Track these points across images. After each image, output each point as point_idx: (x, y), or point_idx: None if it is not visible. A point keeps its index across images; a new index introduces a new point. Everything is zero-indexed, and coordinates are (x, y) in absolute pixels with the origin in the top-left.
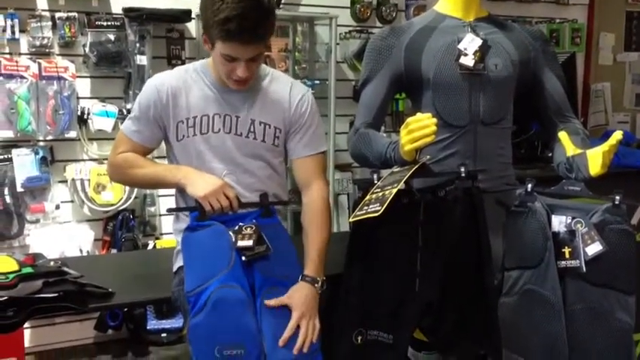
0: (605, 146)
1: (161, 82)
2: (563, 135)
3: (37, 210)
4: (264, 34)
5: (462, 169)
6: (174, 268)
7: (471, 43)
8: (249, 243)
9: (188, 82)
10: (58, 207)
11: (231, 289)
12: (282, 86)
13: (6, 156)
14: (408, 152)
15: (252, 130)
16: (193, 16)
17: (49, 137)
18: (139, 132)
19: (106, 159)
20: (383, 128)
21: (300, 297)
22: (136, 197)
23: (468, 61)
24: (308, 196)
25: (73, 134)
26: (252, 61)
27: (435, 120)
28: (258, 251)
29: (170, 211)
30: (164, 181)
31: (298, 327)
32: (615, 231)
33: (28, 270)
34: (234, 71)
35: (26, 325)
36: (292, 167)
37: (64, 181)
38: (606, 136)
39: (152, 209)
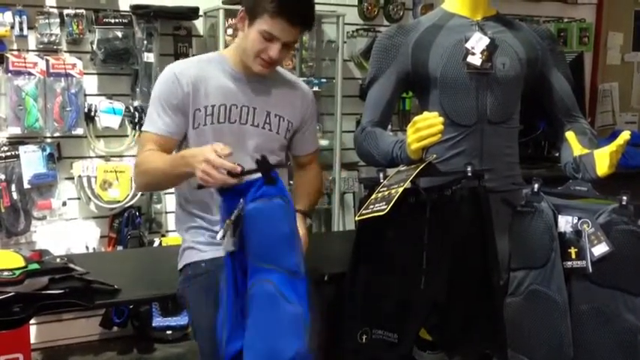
0: (613, 146)
1: (180, 70)
2: (570, 135)
3: (44, 206)
4: (311, 21)
5: (469, 169)
6: (180, 266)
7: (478, 42)
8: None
9: (207, 71)
10: (64, 204)
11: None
12: (291, 82)
13: (13, 152)
14: (415, 151)
15: (267, 121)
16: (201, 13)
17: (57, 134)
18: (164, 124)
19: (113, 156)
20: (390, 127)
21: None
22: (142, 194)
23: (476, 60)
24: (306, 169)
25: (80, 131)
26: (286, 46)
27: (441, 119)
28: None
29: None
30: (173, 174)
31: None
32: (622, 232)
33: (35, 266)
34: (266, 51)
35: (32, 321)
36: (294, 161)
37: (71, 178)
38: (614, 136)
39: (158, 206)
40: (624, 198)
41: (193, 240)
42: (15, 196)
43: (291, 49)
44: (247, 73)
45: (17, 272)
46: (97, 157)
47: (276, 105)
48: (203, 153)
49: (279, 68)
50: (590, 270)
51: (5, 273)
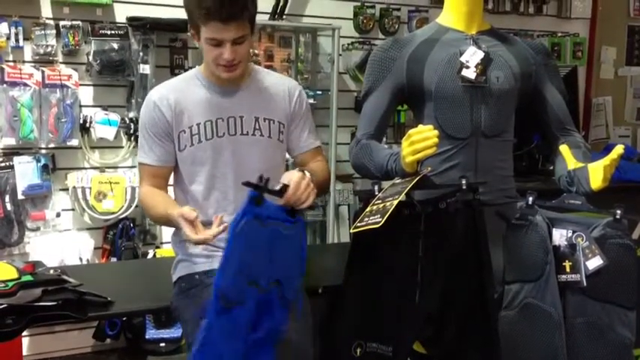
0: (607, 160)
1: (159, 97)
2: (564, 148)
3: (38, 218)
4: (243, 10)
5: (463, 182)
6: (174, 279)
7: (473, 56)
8: None
9: (186, 91)
10: (58, 215)
11: None
12: (275, 80)
13: (8, 163)
14: (410, 164)
15: (257, 127)
16: None
17: (51, 145)
18: (155, 154)
19: (108, 167)
20: (384, 139)
21: (291, 173)
22: (136, 206)
23: (470, 73)
24: (309, 165)
25: (75, 142)
26: (237, 44)
27: (436, 132)
28: None
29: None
30: (170, 223)
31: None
32: (616, 245)
33: (28, 278)
34: (221, 56)
35: (25, 333)
36: (297, 161)
37: (65, 189)
38: (607, 150)
39: None
40: (618, 212)
41: (187, 252)
42: (9, 207)
43: (247, 45)
44: (226, 83)
45: (10, 284)
46: (91, 168)
47: (263, 108)
48: (178, 222)
49: (261, 69)
50: (585, 283)
51: None
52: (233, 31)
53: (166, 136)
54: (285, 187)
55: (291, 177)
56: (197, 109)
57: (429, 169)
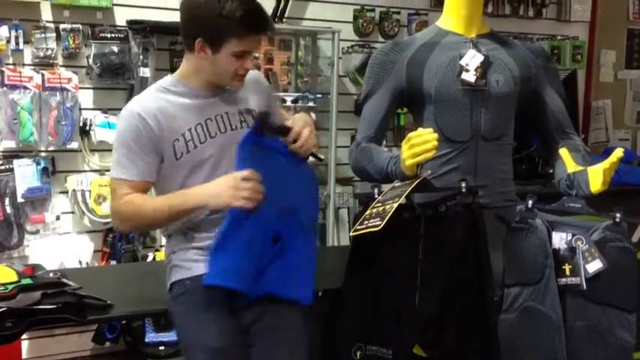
0: (606, 163)
1: (142, 108)
2: (564, 152)
3: (37, 220)
4: (272, 22)
5: (463, 185)
6: (168, 285)
7: (472, 59)
8: None
9: (168, 99)
10: (58, 218)
11: None
12: None
13: (7, 166)
14: (409, 167)
15: (242, 119)
16: None
17: (51, 148)
18: (138, 169)
19: (108, 170)
20: (384, 142)
21: (298, 117)
22: None
23: (470, 77)
24: None
25: (74, 145)
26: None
27: (436, 135)
28: None
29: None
30: (176, 211)
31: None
32: (616, 248)
33: (28, 281)
34: (242, 67)
35: (24, 336)
36: None
37: (65, 192)
38: (607, 153)
39: None
40: (618, 215)
41: (179, 258)
42: (8, 210)
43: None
44: (209, 89)
45: (10, 287)
46: (91, 171)
47: (242, 101)
48: (232, 183)
49: None
50: (585, 287)
51: None
52: (260, 42)
53: (152, 148)
54: (287, 128)
55: (298, 122)
56: (185, 116)
57: (429, 172)
